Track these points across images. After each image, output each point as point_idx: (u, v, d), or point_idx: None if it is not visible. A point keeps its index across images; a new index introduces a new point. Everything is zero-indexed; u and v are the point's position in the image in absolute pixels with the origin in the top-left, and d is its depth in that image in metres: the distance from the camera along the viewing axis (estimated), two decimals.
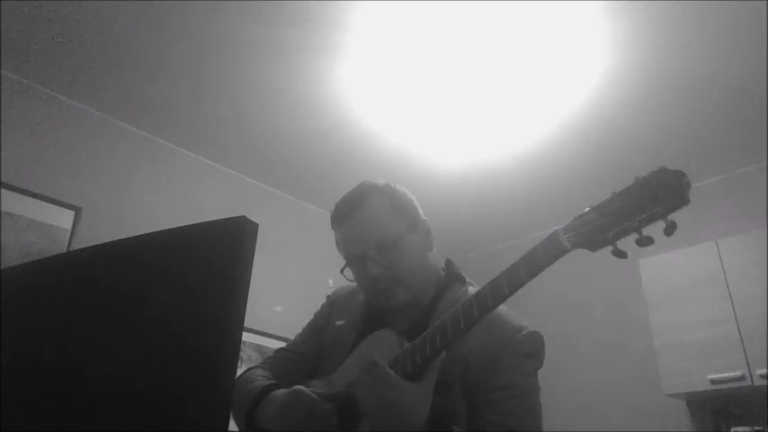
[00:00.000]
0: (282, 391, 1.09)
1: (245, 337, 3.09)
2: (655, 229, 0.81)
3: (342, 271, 1.22)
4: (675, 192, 0.77)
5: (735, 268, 2.89)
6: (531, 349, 1.08)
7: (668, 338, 2.98)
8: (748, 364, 2.70)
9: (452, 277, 1.24)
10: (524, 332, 1.08)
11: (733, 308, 2.83)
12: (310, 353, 1.29)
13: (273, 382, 1.16)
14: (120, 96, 3.01)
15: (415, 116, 3.06)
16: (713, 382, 2.76)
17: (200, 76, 2.85)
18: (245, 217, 0.64)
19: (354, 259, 1.18)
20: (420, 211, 1.25)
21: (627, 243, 0.83)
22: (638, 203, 0.79)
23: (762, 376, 2.65)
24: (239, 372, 1.17)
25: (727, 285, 2.87)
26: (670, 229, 0.78)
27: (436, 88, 2.85)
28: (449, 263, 1.27)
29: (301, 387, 1.06)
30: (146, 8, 2.44)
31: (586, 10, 2.40)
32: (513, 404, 1.02)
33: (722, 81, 2.77)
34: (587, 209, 0.86)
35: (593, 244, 0.84)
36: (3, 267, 0.79)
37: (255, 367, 1.29)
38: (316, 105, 3.00)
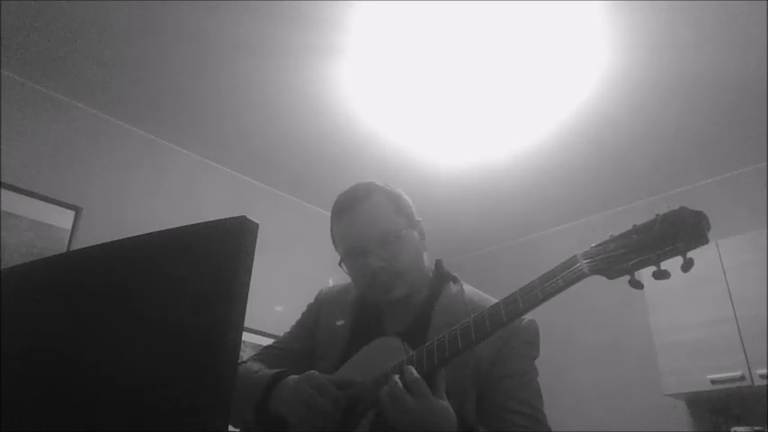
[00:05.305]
0: (295, 376, 1.09)
1: (245, 336, 3.09)
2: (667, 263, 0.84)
3: (340, 263, 1.22)
4: (696, 231, 0.80)
5: (735, 268, 2.89)
6: (532, 337, 1.14)
7: (668, 338, 2.98)
8: (748, 364, 2.70)
9: (444, 277, 1.25)
10: (525, 321, 1.12)
11: (733, 308, 2.83)
12: (300, 351, 1.28)
13: (284, 369, 1.15)
14: (120, 96, 3.01)
15: (416, 116, 3.07)
16: (713, 382, 2.76)
17: (199, 76, 2.85)
18: (245, 217, 0.63)
19: (354, 252, 1.18)
20: (415, 212, 1.27)
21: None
22: (658, 238, 0.82)
23: (762, 376, 2.65)
24: None
25: (727, 285, 2.87)
26: (687, 265, 0.81)
27: (436, 88, 2.85)
28: (438, 263, 1.29)
29: (315, 372, 1.06)
30: (145, 8, 2.44)
31: (586, 10, 2.41)
32: (527, 391, 1.08)
33: (722, 81, 2.77)
34: (607, 237, 0.88)
35: (612, 272, 0.86)
36: (3, 267, 0.79)
37: (247, 361, 1.27)
38: (316, 105, 3.00)
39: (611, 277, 0.87)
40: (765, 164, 3.30)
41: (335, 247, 1.25)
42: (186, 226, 0.69)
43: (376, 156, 3.35)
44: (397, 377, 0.94)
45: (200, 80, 2.88)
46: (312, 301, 1.39)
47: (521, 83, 2.81)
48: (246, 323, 0.61)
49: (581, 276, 0.87)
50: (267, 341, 3.12)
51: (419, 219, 1.26)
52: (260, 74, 2.80)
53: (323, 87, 2.87)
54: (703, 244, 0.80)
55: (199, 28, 2.54)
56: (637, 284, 0.86)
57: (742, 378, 2.70)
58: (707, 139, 3.20)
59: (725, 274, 2.89)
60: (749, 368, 2.70)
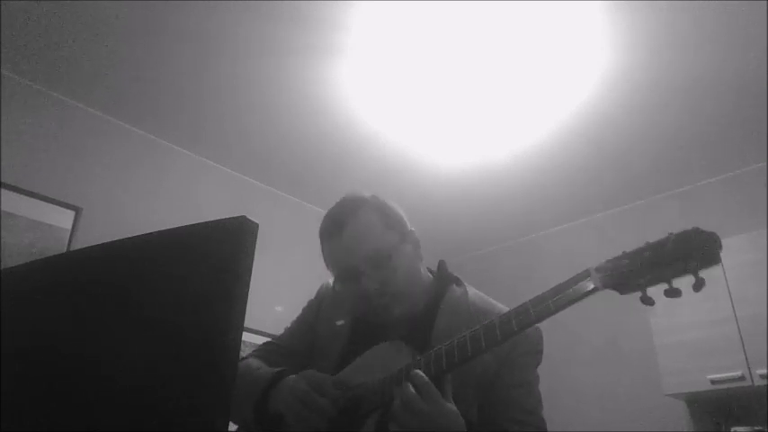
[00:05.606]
0: (294, 375, 1.08)
1: (245, 336, 3.07)
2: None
3: (333, 287, 1.20)
4: (709, 251, 0.81)
5: (735, 268, 2.88)
6: (537, 345, 1.13)
7: (668, 338, 2.98)
8: (748, 364, 2.70)
9: (447, 279, 1.22)
10: (530, 328, 1.10)
11: (733, 308, 2.83)
12: (299, 347, 1.28)
13: (284, 368, 1.14)
14: (120, 96, 3.01)
15: (416, 116, 3.06)
16: (713, 382, 2.76)
17: (199, 76, 2.85)
18: (245, 217, 0.63)
19: (346, 275, 1.15)
20: (407, 222, 1.22)
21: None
22: (671, 257, 0.83)
23: (762, 376, 2.65)
24: None
25: (728, 285, 2.87)
26: (699, 285, 0.82)
27: (436, 88, 2.85)
28: (442, 264, 1.26)
29: (314, 370, 1.06)
30: (146, 8, 2.44)
31: (586, 10, 2.41)
32: (531, 399, 1.09)
33: (722, 81, 2.77)
34: (620, 253, 0.89)
35: (624, 288, 0.88)
36: (3, 267, 0.79)
37: (246, 357, 1.27)
38: (316, 105, 3.00)
39: (623, 293, 0.88)
40: (765, 164, 3.30)
41: (327, 267, 1.20)
42: (186, 226, 0.69)
43: (376, 156, 3.35)
44: (409, 384, 0.93)
45: (200, 80, 2.88)
46: (313, 297, 1.38)
47: (521, 83, 2.80)
48: (246, 323, 0.61)
49: (593, 291, 0.88)
50: (267, 341, 3.14)
51: (412, 229, 1.21)
52: (260, 74, 2.80)
53: (323, 87, 2.87)
54: (715, 264, 0.81)
55: (199, 28, 2.54)
56: (648, 301, 0.86)
57: (742, 378, 2.70)
58: (707, 139, 3.20)
59: (725, 274, 2.89)
60: (749, 368, 2.69)
